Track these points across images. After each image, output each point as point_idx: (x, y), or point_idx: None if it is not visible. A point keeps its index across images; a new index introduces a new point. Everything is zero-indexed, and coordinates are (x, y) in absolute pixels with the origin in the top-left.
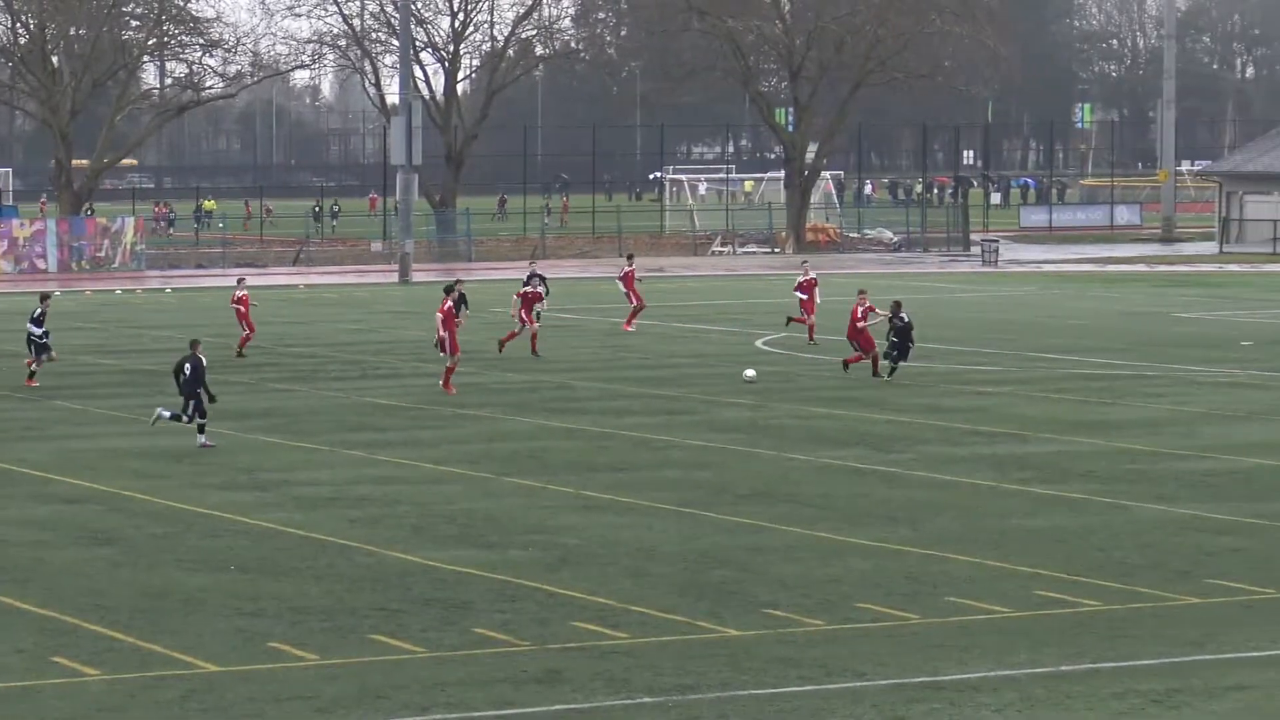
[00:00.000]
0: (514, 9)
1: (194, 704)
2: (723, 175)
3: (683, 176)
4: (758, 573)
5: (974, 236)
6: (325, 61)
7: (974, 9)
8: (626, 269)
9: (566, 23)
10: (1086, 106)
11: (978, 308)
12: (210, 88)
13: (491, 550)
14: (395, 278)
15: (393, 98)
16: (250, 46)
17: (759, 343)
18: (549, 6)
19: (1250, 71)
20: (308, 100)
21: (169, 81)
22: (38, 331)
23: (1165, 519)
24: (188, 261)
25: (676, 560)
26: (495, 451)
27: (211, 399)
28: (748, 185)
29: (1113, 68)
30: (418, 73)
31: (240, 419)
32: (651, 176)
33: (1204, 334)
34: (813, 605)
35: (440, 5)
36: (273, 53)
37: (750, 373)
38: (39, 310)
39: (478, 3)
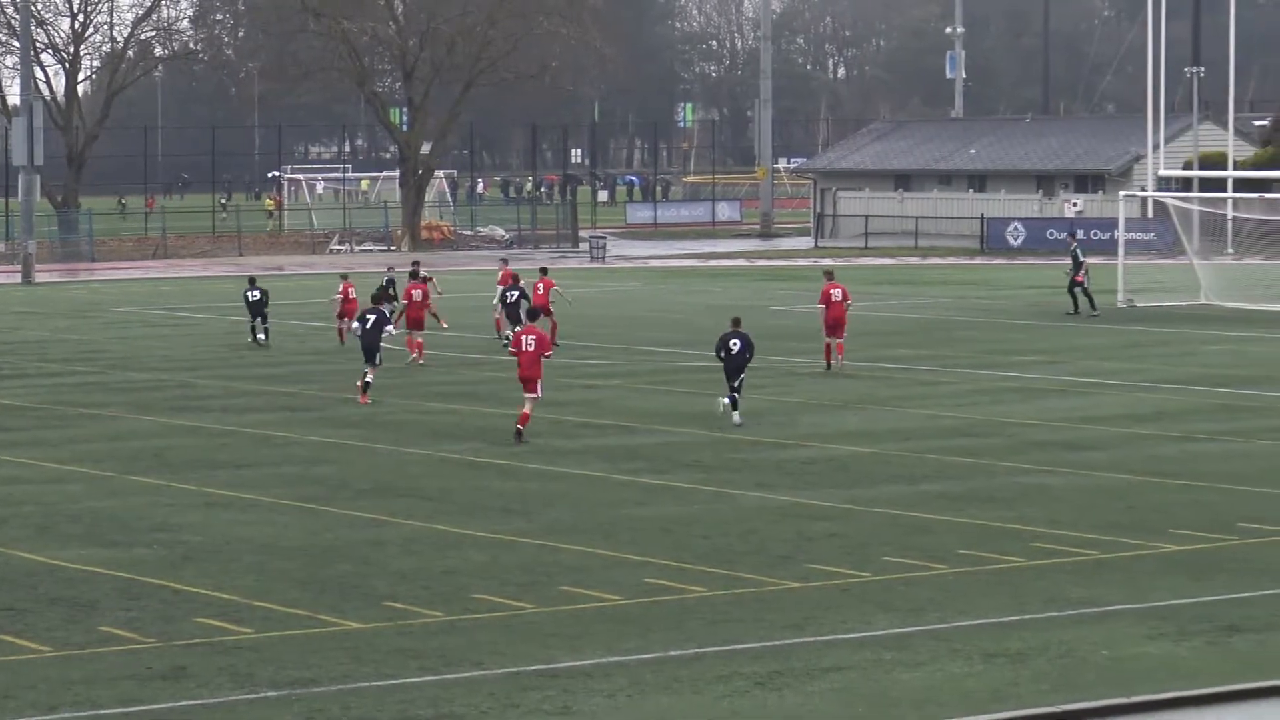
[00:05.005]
0: (133, 10)
1: None
2: (340, 174)
3: (300, 176)
4: (378, 565)
5: (583, 233)
6: None
7: (580, 11)
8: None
9: (185, 24)
10: (688, 106)
11: (586, 303)
12: None
13: (116, 548)
14: (18, 278)
15: (13, 99)
16: None
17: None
18: (167, 8)
19: (841, 72)
20: None
21: None
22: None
23: (766, 506)
24: None
25: (298, 555)
26: (118, 450)
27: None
28: (364, 184)
29: (713, 68)
30: (38, 74)
31: None
32: (270, 175)
33: (801, 327)
34: (431, 597)
35: (60, 7)
36: None
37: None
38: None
39: (97, 4)
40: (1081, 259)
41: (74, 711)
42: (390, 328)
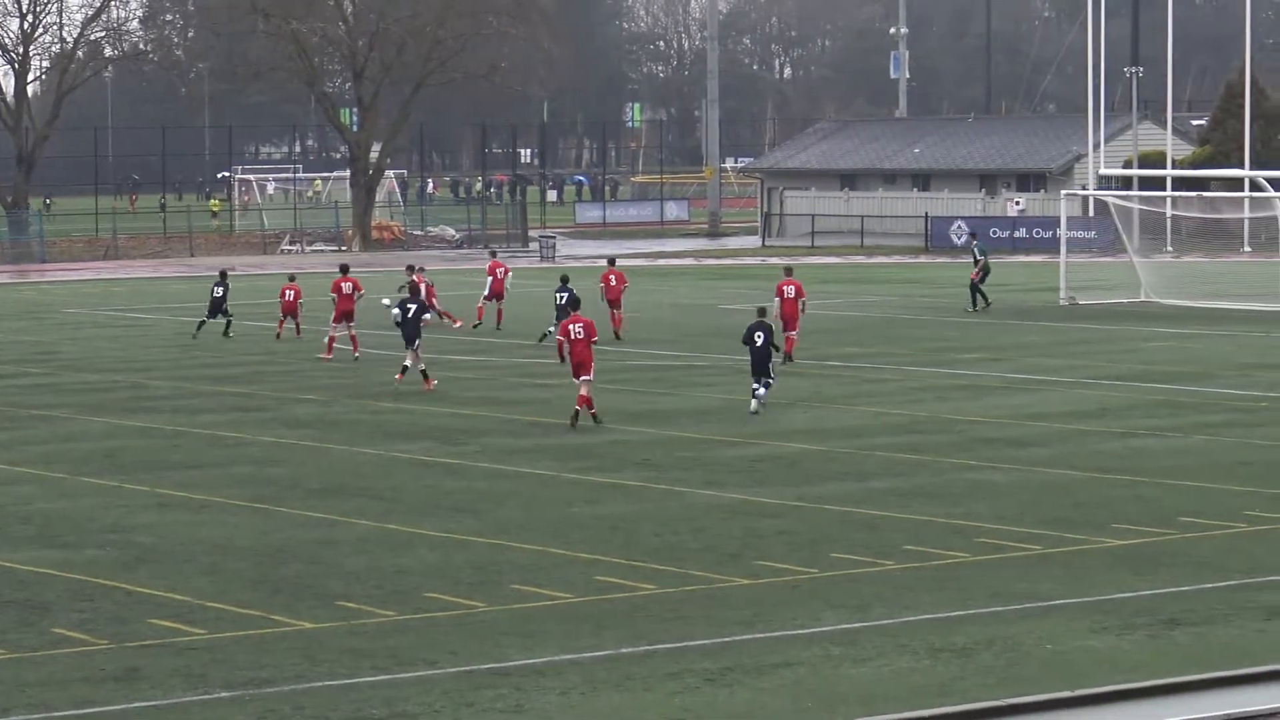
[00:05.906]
0: (83, 10)
1: None
2: (290, 175)
3: (251, 176)
4: (330, 565)
5: (532, 233)
6: None
7: (529, 11)
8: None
9: (135, 24)
10: (636, 106)
11: (536, 303)
12: None
13: (69, 550)
14: None
15: None
16: None
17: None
18: (117, 8)
19: (788, 72)
20: None
21: None
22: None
23: (716, 504)
24: None
25: (251, 555)
26: (70, 452)
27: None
28: (316, 184)
29: (660, 69)
30: None
31: None
32: (220, 176)
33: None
34: (384, 596)
35: (9, 7)
36: None
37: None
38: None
39: (47, 4)
40: (979, 257)
41: (27, 714)
42: (427, 315)
